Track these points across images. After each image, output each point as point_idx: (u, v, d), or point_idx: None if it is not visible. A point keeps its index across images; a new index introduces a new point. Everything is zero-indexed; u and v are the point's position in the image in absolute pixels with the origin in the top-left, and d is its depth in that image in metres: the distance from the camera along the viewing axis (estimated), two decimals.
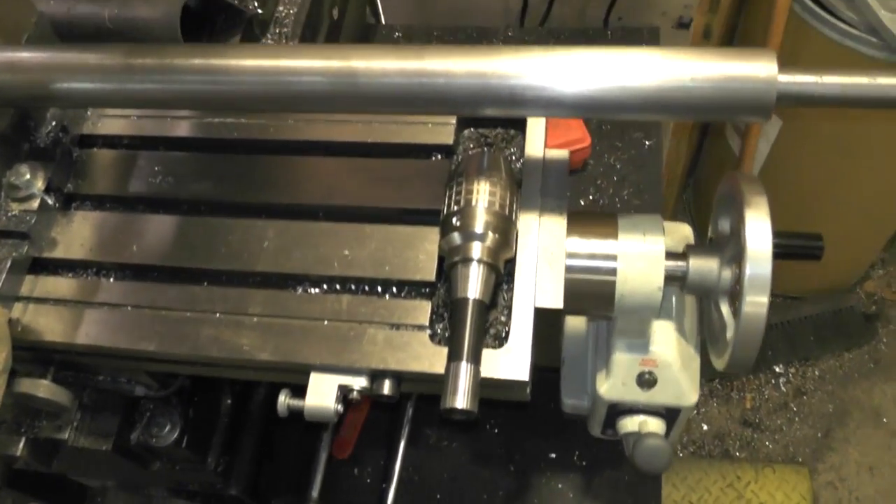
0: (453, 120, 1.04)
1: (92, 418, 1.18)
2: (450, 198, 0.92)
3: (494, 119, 1.05)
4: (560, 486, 1.39)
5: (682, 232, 1.07)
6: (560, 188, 0.97)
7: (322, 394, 0.89)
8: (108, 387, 1.14)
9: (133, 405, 1.20)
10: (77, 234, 1.06)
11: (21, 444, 1.16)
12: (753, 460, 2.69)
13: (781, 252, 0.89)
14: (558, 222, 0.94)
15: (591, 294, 0.93)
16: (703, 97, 0.79)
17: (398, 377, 0.90)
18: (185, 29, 1.24)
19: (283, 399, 0.91)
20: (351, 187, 1.03)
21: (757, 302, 0.85)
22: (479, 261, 0.86)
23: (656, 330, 1.02)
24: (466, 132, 1.05)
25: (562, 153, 1.01)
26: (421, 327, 0.91)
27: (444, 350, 0.87)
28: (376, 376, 0.90)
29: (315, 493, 1.38)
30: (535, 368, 0.89)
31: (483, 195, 0.89)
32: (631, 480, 1.38)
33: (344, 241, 0.97)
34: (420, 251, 0.95)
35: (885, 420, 2.77)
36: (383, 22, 2.13)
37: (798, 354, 2.88)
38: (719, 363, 0.95)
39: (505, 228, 0.89)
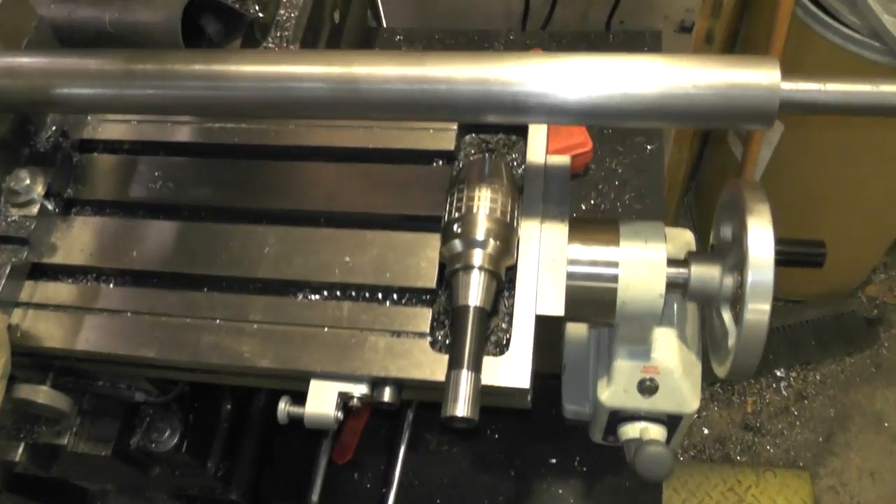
0: (455, 126, 1.04)
1: (91, 423, 1.17)
2: (451, 204, 0.91)
3: (496, 125, 1.05)
4: (561, 491, 1.39)
5: (684, 238, 1.07)
6: (562, 194, 0.97)
7: (322, 401, 0.89)
8: (107, 392, 1.14)
9: (133, 410, 1.20)
10: (77, 240, 1.06)
11: (20, 450, 1.15)
12: (754, 464, 2.68)
13: (783, 259, 0.89)
14: (560, 229, 0.94)
15: (592, 301, 0.93)
16: (705, 105, 0.79)
17: (399, 385, 0.90)
18: (185, 33, 1.24)
19: (284, 406, 0.91)
20: (352, 193, 1.02)
21: (759, 310, 0.84)
22: (481, 268, 0.85)
23: (658, 337, 1.01)
24: (468, 138, 1.04)
25: (563, 159, 1.00)
26: (422, 334, 0.91)
27: (445, 357, 0.87)
28: (377, 384, 0.90)
29: (315, 498, 1.38)
30: (536, 375, 0.89)
31: (484, 202, 0.88)
32: (632, 486, 1.38)
33: (345, 248, 0.97)
34: (421, 258, 0.95)
35: (886, 425, 2.76)
36: (385, 25, 2.13)
37: (799, 358, 2.87)
38: (721, 370, 0.95)
39: (506, 235, 0.88)
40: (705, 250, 1.05)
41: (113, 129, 1.14)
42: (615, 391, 1.03)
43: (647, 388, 1.02)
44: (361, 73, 0.85)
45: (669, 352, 1.01)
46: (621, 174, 1.68)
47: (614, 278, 0.92)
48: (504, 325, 0.90)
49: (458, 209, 0.89)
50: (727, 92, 0.78)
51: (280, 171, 1.07)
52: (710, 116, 0.80)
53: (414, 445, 1.44)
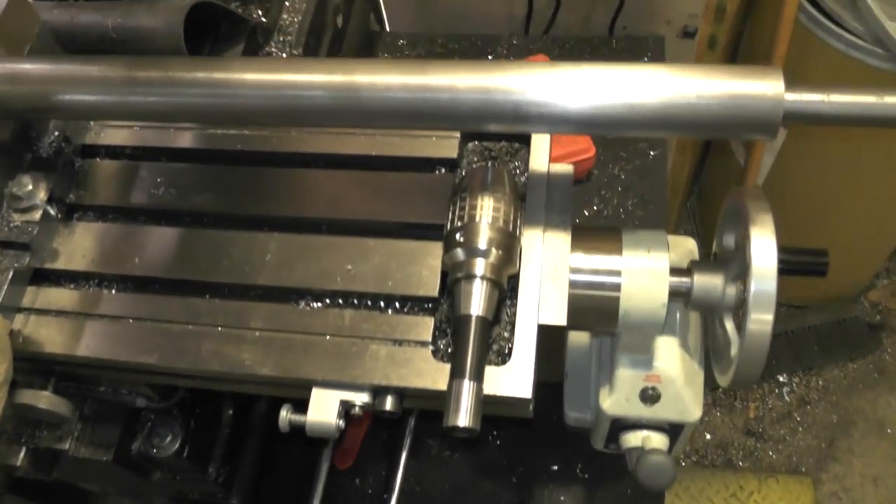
0: (457, 133, 1.03)
1: (93, 428, 1.17)
2: (453, 213, 0.91)
3: (499, 132, 1.04)
4: (562, 498, 1.39)
5: (687, 246, 1.07)
6: (564, 203, 0.97)
7: (324, 409, 0.89)
8: (108, 398, 1.14)
9: (134, 415, 1.20)
10: (79, 245, 1.06)
11: (21, 454, 1.15)
12: (757, 470, 2.68)
13: (786, 268, 0.88)
14: (562, 238, 0.93)
15: (594, 310, 0.93)
16: (708, 115, 0.79)
17: (400, 393, 0.90)
18: (188, 37, 1.24)
19: (285, 414, 0.91)
20: (354, 200, 1.02)
21: (762, 320, 0.84)
22: (483, 277, 0.85)
23: (660, 345, 1.01)
24: (471, 145, 1.04)
25: (566, 168, 1.00)
26: (423, 343, 0.91)
27: (447, 366, 0.87)
28: (378, 392, 0.90)
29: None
30: (538, 384, 0.89)
31: (487, 211, 0.88)
32: (633, 493, 1.37)
33: (347, 256, 0.97)
34: (423, 266, 0.94)
35: (889, 431, 2.75)
36: (387, 29, 2.13)
37: (802, 364, 2.87)
38: (723, 380, 0.94)
39: (508, 244, 0.88)
40: (708, 256, 1.05)
41: (115, 134, 1.14)
42: (617, 399, 1.03)
43: (650, 396, 1.01)
44: (363, 81, 0.85)
45: (672, 360, 1.01)
46: (624, 180, 1.68)
47: (617, 287, 0.92)
48: (506, 334, 0.90)
49: (461, 218, 0.89)
50: (731, 102, 0.78)
51: (282, 177, 1.07)
52: (714, 127, 0.80)
53: (415, 451, 1.44)
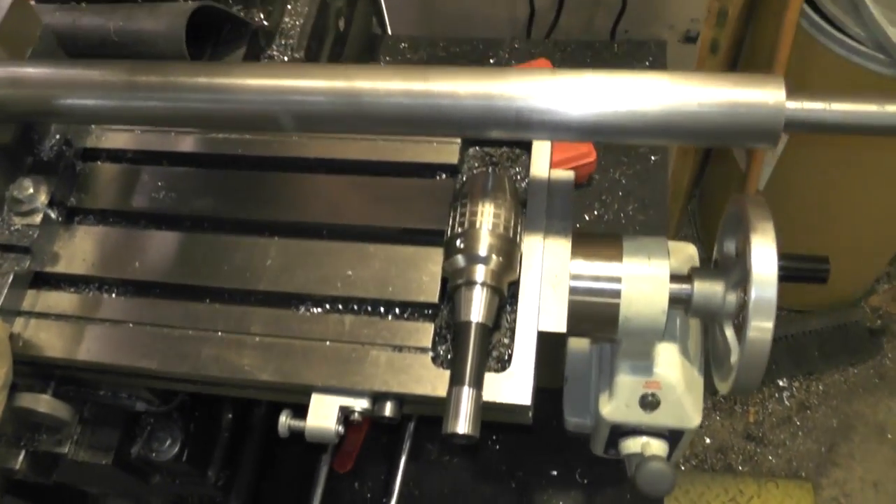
0: (458, 139, 1.04)
1: (92, 432, 1.17)
2: (454, 219, 0.91)
3: (500, 139, 1.04)
4: (561, 503, 1.39)
5: (687, 252, 1.07)
6: (565, 209, 0.97)
7: (323, 415, 0.89)
8: (108, 402, 1.14)
9: (134, 419, 1.20)
10: (79, 249, 1.06)
11: (21, 458, 1.15)
12: (756, 475, 2.68)
13: (787, 275, 0.88)
14: (563, 244, 0.93)
15: (594, 317, 0.93)
16: (709, 123, 0.79)
17: (400, 399, 0.90)
18: (189, 41, 1.24)
19: (284, 420, 0.91)
20: (354, 206, 1.02)
21: (762, 327, 0.84)
22: (483, 284, 0.85)
23: (660, 352, 1.01)
24: (471, 150, 1.04)
25: (567, 174, 1.00)
26: (423, 349, 0.90)
27: (447, 373, 0.86)
28: (378, 398, 0.90)
29: None
30: (538, 390, 0.89)
31: (487, 217, 0.88)
32: (633, 499, 1.37)
33: (347, 261, 0.97)
34: (423, 272, 0.94)
35: (889, 436, 2.75)
36: (389, 32, 2.12)
37: (802, 368, 2.87)
38: (723, 386, 0.94)
39: (509, 251, 0.88)
40: (709, 260, 1.05)
41: (116, 137, 1.14)
42: (617, 406, 1.03)
43: (649, 403, 1.01)
44: (364, 87, 0.85)
45: (672, 367, 1.01)
46: (625, 184, 1.68)
47: (617, 294, 0.92)
48: (506, 341, 0.90)
49: (461, 224, 0.89)
50: (731, 110, 0.78)
51: (283, 182, 1.07)
52: (715, 135, 0.80)
53: (415, 455, 1.44)
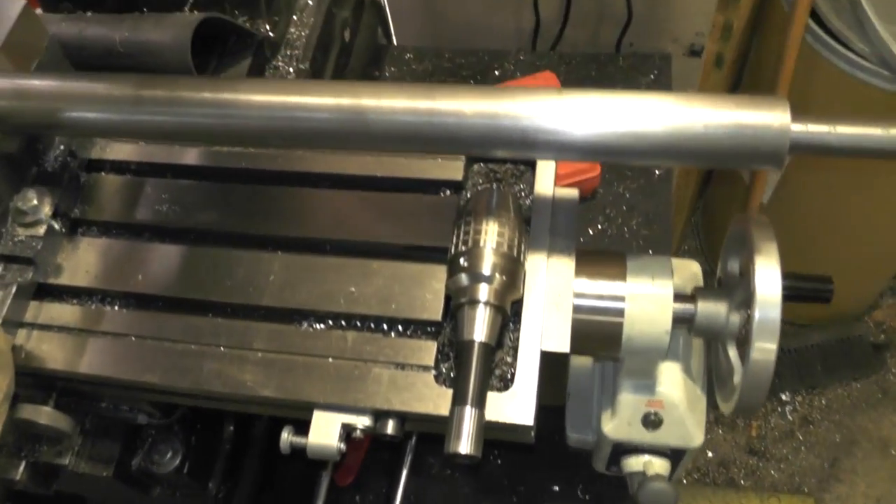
0: (463, 155, 1.03)
1: (93, 444, 1.17)
2: (458, 237, 0.91)
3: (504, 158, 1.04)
4: None
5: (691, 269, 1.07)
6: (569, 227, 0.97)
7: (325, 432, 0.88)
8: (109, 414, 1.14)
9: (135, 431, 1.19)
10: (82, 261, 1.06)
11: (21, 469, 1.15)
12: (758, 489, 2.66)
13: (791, 294, 0.88)
14: (566, 264, 0.93)
15: (597, 336, 0.92)
16: (714, 145, 0.79)
17: (402, 418, 0.89)
18: (195, 51, 1.24)
19: (286, 436, 0.90)
20: (358, 221, 1.02)
21: (765, 349, 0.84)
22: (486, 303, 0.85)
23: (663, 370, 1.01)
24: (476, 167, 1.04)
25: (571, 192, 1.00)
26: (426, 368, 0.90)
27: (449, 391, 0.86)
28: (380, 416, 0.89)
29: None
30: (540, 407, 0.88)
31: (491, 236, 0.88)
32: None
33: (350, 277, 0.97)
34: (427, 289, 0.94)
35: (893, 451, 2.74)
36: (395, 43, 2.13)
37: (805, 383, 2.85)
38: (726, 407, 0.94)
39: (513, 270, 0.88)
40: (712, 272, 1.05)
41: (121, 149, 1.14)
42: (619, 424, 1.03)
43: (652, 421, 1.01)
44: (370, 104, 0.85)
45: (674, 386, 1.01)
46: (629, 199, 1.68)
47: (620, 313, 0.91)
48: (509, 359, 0.90)
49: (465, 242, 0.89)
50: (737, 132, 0.78)
51: (287, 196, 1.07)
52: (719, 157, 0.80)
53: (416, 469, 1.44)
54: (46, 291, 1.05)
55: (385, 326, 0.94)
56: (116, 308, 1.03)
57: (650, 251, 1.62)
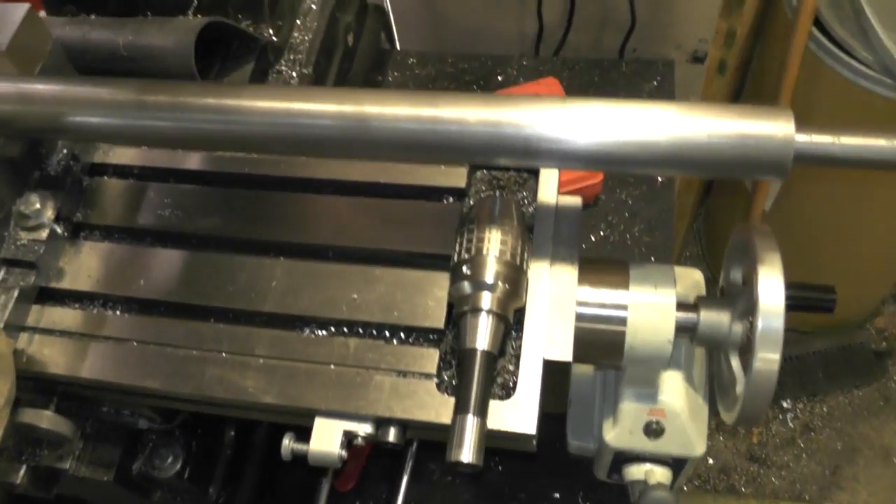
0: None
1: (94, 448, 1.17)
2: (460, 244, 0.91)
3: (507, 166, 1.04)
4: None
5: (693, 278, 1.06)
6: (572, 235, 0.96)
7: (326, 439, 0.88)
8: (111, 419, 1.13)
9: (136, 436, 1.19)
10: (84, 265, 1.06)
11: (21, 472, 1.14)
12: (760, 496, 2.66)
13: (793, 304, 0.88)
14: (569, 272, 0.93)
15: (600, 344, 0.92)
16: (719, 155, 0.78)
17: (403, 425, 0.89)
18: (198, 55, 1.24)
19: (287, 443, 0.90)
20: (361, 228, 1.02)
21: (768, 359, 0.84)
22: (489, 311, 0.85)
23: (665, 379, 1.01)
24: (479, 174, 1.04)
25: (575, 200, 1.00)
26: (428, 375, 0.90)
27: (451, 399, 0.86)
28: (381, 423, 0.89)
29: None
30: (542, 416, 0.88)
31: (494, 244, 0.88)
32: None
33: (352, 284, 0.97)
34: (429, 297, 0.94)
35: (895, 460, 2.73)
36: (398, 47, 2.13)
37: (806, 390, 2.85)
38: (728, 417, 0.94)
39: (515, 278, 0.88)
40: (713, 277, 1.04)
41: (123, 153, 1.14)
42: (621, 432, 1.03)
43: (654, 430, 1.01)
44: (373, 112, 0.85)
45: (676, 395, 1.00)
46: (631, 205, 1.67)
47: (623, 322, 0.91)
48: (511, 368, 0.89)
49: (468, 250, 0.89)
50: (741, 143, 0.78)
51: (289, 202, 1.07)
52: (723, 167, 0.80)
53: (417, 475, 1.43)
54: (48, 295, 1.05)
55: (387, 333, 0.94)
56: (118, 313, 1.03)
57: (652, 258, 1.62)
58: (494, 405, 0.85)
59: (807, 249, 2.40)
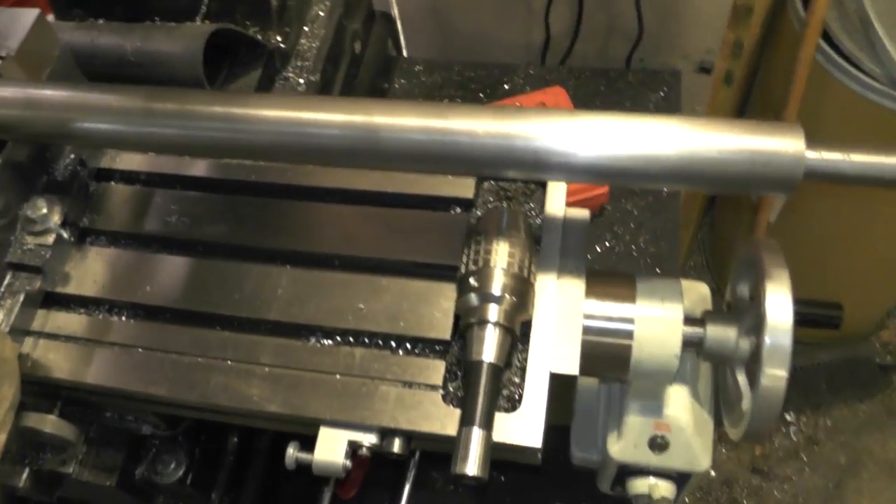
0: None
1: (97, 453, 1.17)
2: (468, 256, 0.91)
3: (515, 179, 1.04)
4: None
5: (700, 291, 1.06)
6: (579, 248, 0.96)
7: (331, 449, 0.88)
8: (114, 424, 1.13)
9: (139, 441, 1.19)
10: (90, 271, 1.06)
11: (24, 476, 1.14)
12: None
13: (800, 320, 0.88)
14: (577, 285, 0.93)
15: (606, 357, 0.92)
16: (728, 171, 0.78)
17: (408, 436, 0.89)
18: (206, 61, 1.25)
19: (292, 452, 0.90)
20: (368, 237, 1.02)
21: (776, 375, 0.84)
22: (496, 324, 0.84)
23: (671, 393, 1.00)
24: (486, 184, 1.03)
25: (583, 212, 0.99)
26: (433, 387, 0.90)
27: (456, 411, 0.86)
28: (386, 434, 0.89)
29: None
30: (547, 429, 0.88)
31: (502, 256, 0.88)
32: None
33: (359, 293, 0.96)
34: (435, 308, 0.94)
35: None
36: (405, 55, 2.13)
37: (810, 402, 2.84)
38: (734, 433, 0.93)
39: (522, 290, 0.87)
40: (718, 289, 1.04)
41: (130, 159, 1.14)
42: (625, 446, 1.02)
43: (658, 444, 1.00)
44: (382, 122, 0.85)
45: (682, 409, 1.00)
46: (637, 216, 1.67)
47: (629, 335, 0.91)
48: (516, 380, 0.89)
49: (475, 262, 0.89)
50: (750, 158, 0.77)
51: (296, 210, 1.06)
52: (733, 182, 0.80)
53: (419, 484, 1.43)
54: (54, 300, 1.05)
55: (393, 344, 0.94)
56: (124, 318, 1.03)
57: (657, 269, 1.61)
58: (500, 417, 0.85)
59: (812, 261, 2.39)
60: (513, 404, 0.88)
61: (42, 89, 1.00)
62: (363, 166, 0.97)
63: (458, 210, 1.03)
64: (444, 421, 0.87)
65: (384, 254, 0.99)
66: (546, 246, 0.96)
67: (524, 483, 1.42)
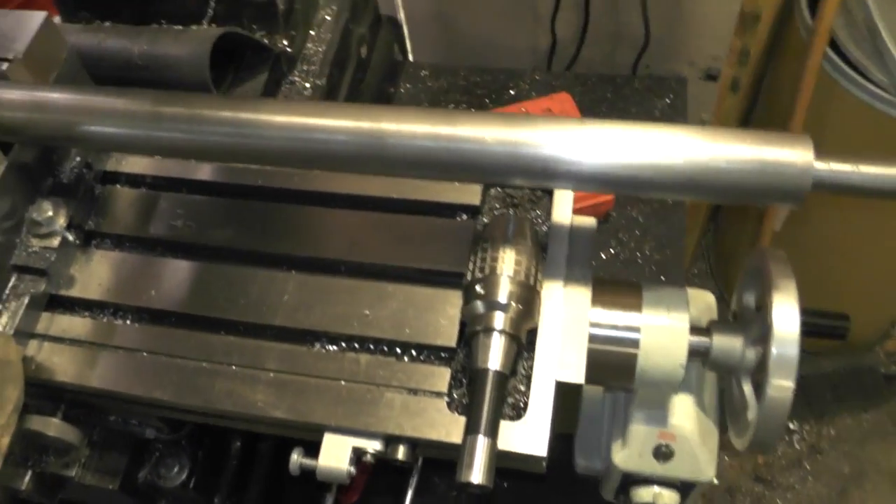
0: None
1: (100, 456, 1.16)
2: (474, 263, 0.90)
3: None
4: None
5: (706, 300, 1.06)
6: (586, 256, 0.96)
7: (335, 455, 0.88)
8: (118, 427, 1.13)
9: (142, 445, 1.19)
10: (95, 274, 1.06)
11: (27, 478, 1.14)
12: None
13: (806, 330, 0.87)
14: (583, 293, 0.92)
15: (612, 366, 0.92)
16: (736, 181, 0.78)
17: (413, 443, 0.89)
18: (212, 64, 1.25)
19: (296, 458, 0.90)
20: (374, 243, 1.01)
21: (782, 386, 0.84)
22: (502, 332, 0.84)
23: (676, 403, 1.00)
24: (493, 191, 1.03)
25: (589, 220, 0.99)
26: (439, 394, 0.90)
27: (461, 419, 0.86)
28: (391, 441, 0.89)
29: None
30: (552, 437, 0.88)
31: (508, 263, 0.87)
32: None
33: (364, 300, 0.96)
34: (441, 315, 0.94)
35: None
36: (411, 59, 2.13)
37: (814, 411, 2.83)
38: (740, 443, 0.93)
39: (528, 298, 0.87)
40: (722, 297, 1.04)
41: (136, 162, 1.14)
42: (630, 454, 1.02)
43: (663, 453, 1.00)
44: (389, 129, 0.84)
45: (687, 418, 1.00)
46: (642, 223, 1.67)
47: (635, 344, 0.91)
48: (522, 388, 0.89)
49: (482, 269, 0.88)
50: (759, 169, 0.77)
51: (302, 216, 1.06)
52: (741, 193, 0.79)
53: (422, 489, 1.42)
54: (59, 303, 1.05)
55: (398, 351, 0.94)
56: (128, 322, 1.03)
57: (662, 277, 1.61)
58: (505, 426, 0.85)
59: (817, 270, 2.38)
60: (518, 412, 0.88)
61: (49, 92, 0.99)
62: (371, 172, 0.97)
63: (465, 217, 1.03)
64: (449, 428, 0.87)
65: (390, 260, 0.99)
66: (552, 254, 0.95)
67: (527, 491, 1.42)
